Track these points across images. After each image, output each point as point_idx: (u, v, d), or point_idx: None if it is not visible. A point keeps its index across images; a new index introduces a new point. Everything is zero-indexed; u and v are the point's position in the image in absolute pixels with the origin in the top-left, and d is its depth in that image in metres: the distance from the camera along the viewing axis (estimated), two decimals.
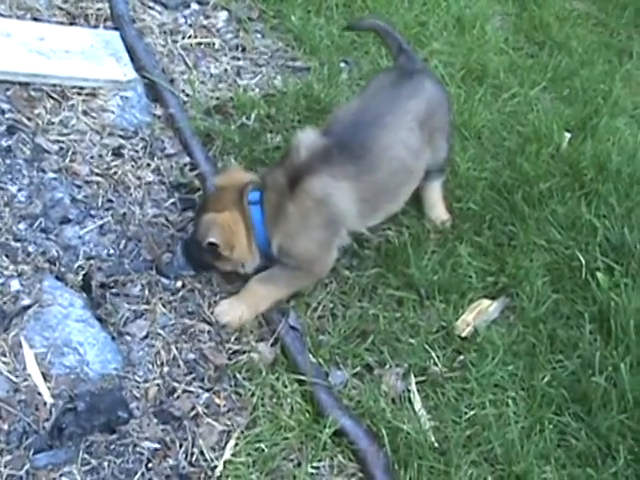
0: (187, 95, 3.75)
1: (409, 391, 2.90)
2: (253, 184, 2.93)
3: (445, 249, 3.31)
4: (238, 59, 4.08)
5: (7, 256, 2.82)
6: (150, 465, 2.55)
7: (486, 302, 3.20)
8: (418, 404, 2.87)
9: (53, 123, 3.27)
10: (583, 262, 3.30)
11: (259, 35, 4.24)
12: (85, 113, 3.35)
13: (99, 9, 3.93)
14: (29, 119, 3.21)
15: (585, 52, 4.64)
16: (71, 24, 3.75)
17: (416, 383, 2.93)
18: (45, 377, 2.60)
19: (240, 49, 4.13)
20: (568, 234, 3.45)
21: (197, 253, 2.93)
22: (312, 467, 2.65)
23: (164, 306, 2.94)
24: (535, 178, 3.61)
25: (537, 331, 3.13)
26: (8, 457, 2.41)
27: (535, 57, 4.56)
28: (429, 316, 3.13)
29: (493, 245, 3.38)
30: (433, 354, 3.00)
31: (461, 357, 3.02)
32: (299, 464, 2.65)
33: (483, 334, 3.07)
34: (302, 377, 2.81)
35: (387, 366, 2.96)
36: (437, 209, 3.39)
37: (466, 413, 2.85)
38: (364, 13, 4.39)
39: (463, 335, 3.07)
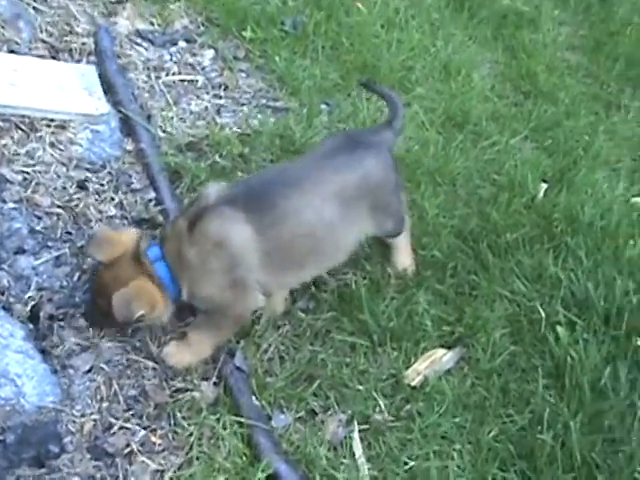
0: (164, 131, 3.75)
1: (351, 438, 2.85)
2: (146, 240, 2.83)
3: (404, 296, 3.26)
4: (220, 97, 4.08)
5: None
6: None
7: (441, 352, 3.14)
8: (359, 452, 2.82)
9: (19, 154, 3.27)
10: (543, 315, 3.24)
11: (244, 74, 4.25)
12: (52, 145, 3.36)
13: (84, 43, 3.95)
14: None
15: (572, 103, 4.60)
16: (53, 57, 3.76)
17: (359, 431, 2.88)
18: None
19: (223, 87, 4.13)
20: (532, 286, 3.39)
21: (110, 324, 2.86)
22: None
23: (111, 340, 2.91)
24: (504, 228, 3.56)
25: (490, 383, 3.06)
26: None
27: (519, 106, 4.52)
28: (380, 363, 3.08)
29: (454, 294, 3.33)
30: (380, 402, 2.95)
31: (408, 406, 2.96)
32: None
33: (433, 384, 3.01)
34: (242, 419, 2.76)
35: (331, 412, 2.90)
36: (400, 255, 3.34)
37: (407, 464, 2.79)
38: (350, 56, 4.37)
39: (413, 384, 3.02)
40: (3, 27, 3.66)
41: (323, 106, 4.10)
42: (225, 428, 2.76)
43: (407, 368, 3.06)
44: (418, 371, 3.05)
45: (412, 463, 2.79)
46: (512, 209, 3.69)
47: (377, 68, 4.34)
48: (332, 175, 2.95)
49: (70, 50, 3.90)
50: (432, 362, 3.10)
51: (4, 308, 2.83)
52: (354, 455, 2.81)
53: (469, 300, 3.31)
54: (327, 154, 3.03)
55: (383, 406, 2.94)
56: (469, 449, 2.88)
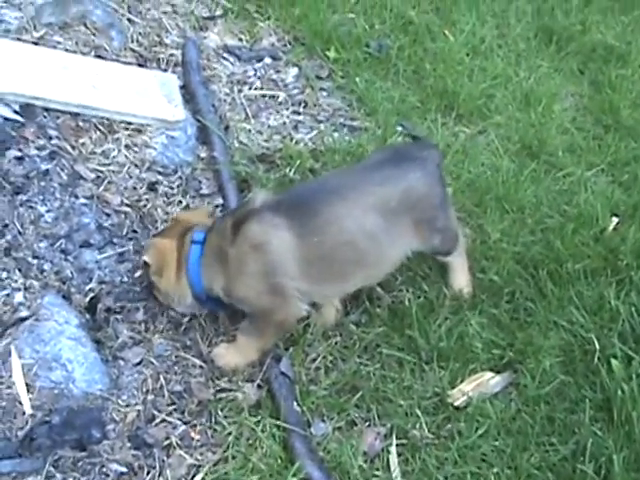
0: (240, 142, 3.83)
1: (388, 452, 2.84)
2: (203, 225, 2.95)
3: (457, 317, 3.24)
4: (299, 114, 4.14)
5: (20, 270, 2.93)
6: None
7: (488, 375, 3.11)
8: (394, 466, 2.80)
9: (95, 153, 3.39)
10: (598, 347, 3.16)
11: (325, 93, 4.30)
12: (127, 147, 3.47)
13: (172, 55, 4.08)
14: (73, 147, 3.35)
15: None
16: (140, 66, 3.89)
17: (397, 445, 2.86)
18: (29, 388, 2.66)
19: (303, 105, 4.20)
20: (590, 317, 3.31)
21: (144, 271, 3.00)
22: None
23: (163, 337, 2.98)
24: (567, 257, 3.50)
25: (536, 411, 3.00)
26: None
27: (599, 139, 4.43)
28: (426, 381, 3.06)
29: (509, 319, 3.29)
30: (421, 419, 2.93)
31: (449, 425, 2.93)
32: None
33: (477, 406, 2.97)
34: (281, 423, 2.79)
35: (370, 424, 2.90)
36: (456, 276, 3.33)
37: None
38: (431, 81, 4.39)
39: (456, 404, 2.99)
40: (94, 34, 3.81)
41: (399, 128, 4.11)
42: (264, 431, 2.78)
43: (453, 388, 3.03)
44: (463, 392, 3.02)
45: None
46: (578, 240, 3.61)
47: (457, 94, 4.33)
48: (375, 186, 2.96)
49: (158, 60, 4.03)
50: (478, 384, 3.06)
51: (64, 297, 2.94)
52: (389, 468, 2.80)
53: (523, 326, 3.27)
54: (373, 166, 3.06)
55: (424, 423, 2.92)
56: (507, 474, 2.82)
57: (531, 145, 4.20)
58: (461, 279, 3.34)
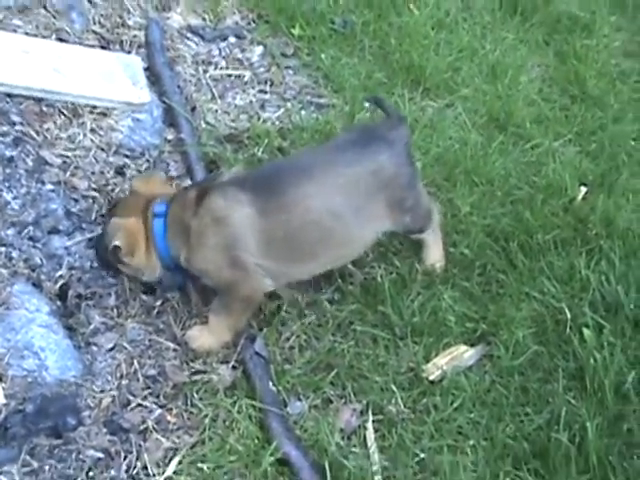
0: (207, 123, 3.80)
1: (365, 428, 2.85)
2: (163, 197, 2.94)
3: (429, 292, 3.25)
4: (265, 92, 4.12)
5: None
6: (91, 474, 2.57)
7: (462, 348, 3.13)
8: (371, 442, 2.81)
9: (61, 138, 3.35)
10: (569, 316, 3.19)
11: (290, 71, 4.28)
12: (93, 131, 3.43)
13: (135, 36, 4.03)
14: (37, 133, 3.31)
15: (620, 108, 4.51)
16: (103, 48, 3.84)
17: (373, 422, 2.87)
18: (1, 377, 2.65)
19: (269, 83, 4.17)
20: (561, 287, 3.34)
21: (103, 252, 2.96)
22: None
23: (136, 321, 2.97)
24: (537, 228, 3.53)
25: (510, 382, 3.03)
26: None
27: (565, 110, 4.45)
28: (400, 356, 3.07)
29: (481, 292, 3.31)
30: (397, 394, 2.94)
31: (424, 400, 2.95)
32: None
33: (452, 379, 2.99)
34: (257, 403, 2.79)
35: (346, 401, 2.91)
36: (430, 252, 3.33)
37: (418, 456, 2.78)
38: (397, 56, 4.37)
39: (431, 378, 3.00)
40: (55, 17, 3.76)
41: (366, 104, 4.10)
42: (240, 412, 2.78)
43: (427, 362, 3.05)
44: (438, 366, 3.03)
45: (423, 455, 2.78)
46: (547, 211, 3.64)
47: (423, 68, 4.32)
48: (344, 167, 2.95)
49: (121, 42, 3.98)
50: (453, 358, 3.08)
51: (34, 285, 2.91)
52: (366, 445, 2.81)
53: (495, 298, 3.29)
54: (341, 146, 3.04)
55: (399, 398, 2.94)
56: (483, 445, 2.85)
57: (498, 117, 4.21)
58: (435, 254, 3.35)
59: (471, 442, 2.85)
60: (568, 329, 3.18)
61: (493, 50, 4.64)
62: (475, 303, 3.27)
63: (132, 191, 3.06)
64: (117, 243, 2.85)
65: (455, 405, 2.92)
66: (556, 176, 3.86)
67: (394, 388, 2.96)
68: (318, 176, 2.91)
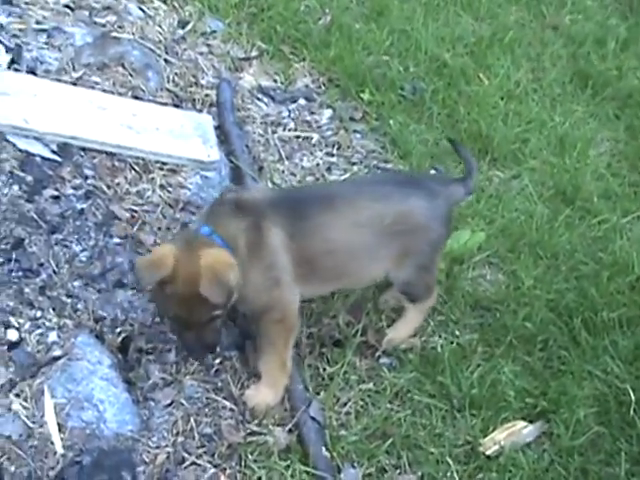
0: (273, 183, 3.86)
1: None
2: (188, 231, 3.09)
3: (490, 364, 3.23)
4: (332, 155, 4.18)
5: (54, 309, 2.96)
6: None
7: (521, 424, 3.10)
8: None
9: (130, 193, 3.44)
10: (633, 398, 3.14)
11: (358, 135, 4.34)
12: (162, 187, 3.51)
13: (207, 95, 4.14)
14: (108, 187, 3.40)
15: None
16: (176, 106, 3.94)
17: None
18: (60, 428, 2.69)
19: (336, 146, 4.23)
20: (626, 367, 3.30)
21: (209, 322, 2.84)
22: None
23: (194, 378, 3.00)
24: (602, 306, 3.49)
25: (569, 462, 2.99)
26: None
27: (635, 186, 4.44)
28: (458, 428, 3.06)
29: (542, 367, 3.29)
30: (452, 467, 2.92)
31: (481, 475, 2.92)
32: None
33: (510, 455, 2.97)
34: (310, 469, 2.79)
35: (401, 471, 2.89)
36: (401, 326, 3.30)
37: None
38: (465, 124, 4.41)
39: (488, 453, 2.98)
40: (131, 75, 3.88)
41: (432, 171, 4.14)
42: (293, 476, 2.78)
43: (485, 437, 3.03)
44: (495, 441, 3.01)
45: None
46: (613, 288, 3.62)
47: (491, 138, 4.36)
48: (371, 203, 2.98)
49: (193, 100, 4.09)
50: (511, 434, 3.05)
51: (96, 336, 2.96)
52: None
53: (557, 375, 3.27)
54: (380, 181, 3.16)
55: (455, 472, 2.91)
56: None
57: (565, 191, 4.21)
58: (404, 331, 3.30)
59: None
60: (632, 411, 3.13)
61: (562, 122, 4.66)
62: (536, 378, 3.25)
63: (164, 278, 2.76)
64: (232, 277, 2.74)
65: None
66: (623, 253, 3.84)
67: (450, 461, 2.94)
68: (341, 207, 2.96)
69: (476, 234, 3.68)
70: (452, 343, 3.31)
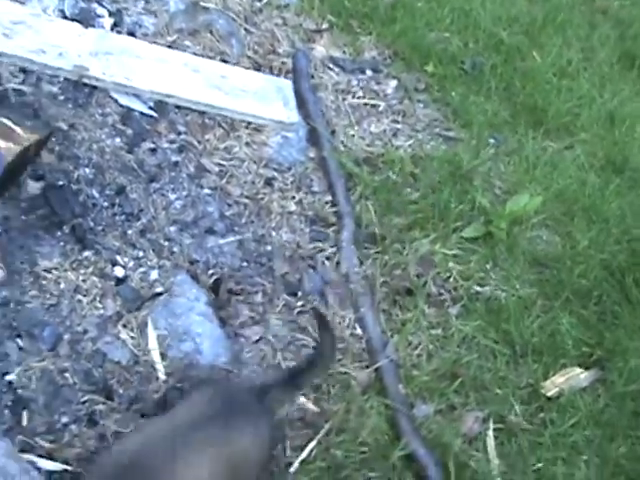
0: (344, 146, 3.91)
1: (485, 435, 2.91)
2: None
3: (548, 316, 3.30)
4: (397, 122, 4.22)
5: (154, 250, 3.05)
6: None
7: (578, 370, 3.17)
8: (491, 447, 2.87)
9: (218, 149, 3.51)
10: None
11: (421, 105, 4.38)
12: (247, 145, 3.58)
13: (284, 63, 4.18)
14: (199, 142, 3.47)
15: None
16: (256, 70, 4.01)
17: (493, 429, 2.93)
18: (162, 356, 2.78)
19: (401, 114, 4.27)
20: None
21: None
22: None
23: (279, 318, 3.08)
24: None
25: (623, 405, 3.06)
26: (118, 416, 2.60)
27: None
28: (520, 372, 3.13)
29: (596, 320, 3.34)
30: (516, 407, 3.00)
31: (542, 414, 3.00)
32: (369, 478, 2.71)
33: (568, 398, 3.04)
34: (388, 401, 2.87)
35: (469, 409, 2.97)
36: None
37: (535, 465, 2.83)
38: (521, 98, 4.45)
39: (549, 395, 3.06)
40: (219, 41, 3.94)
41: (491, 140, 4.19)
42: (372, 408, 2.87)
43: (545, 380, 3.10)
44: (555, 384, 3.08)
45: (540, 465, 2.83)
46: None
47: (545, 111, 4.39)
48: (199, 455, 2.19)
49: (270, 67, 4.13)
50: (569, 378, 3.13)
51: (192, 277, 3.05)
52: (486, 450, 2.87)
53: (610, 328, 3.32)
54: (197, 420, 2.28)
55: (518, 411, 2.99)
56: (596, 462, 2.89)
57: (615, 161, 4.24)
58: None
59: (585, 457, 2.89)
60: None
61: (611, 100, 4.68)
62: (591, 330, 3.31)
63: None
64: None
65: (571, 422, 2.97)
66: None
67: (513, 401, 3.02)
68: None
69: (534, 198, 3.72)
70: (513, 296, 3.37)
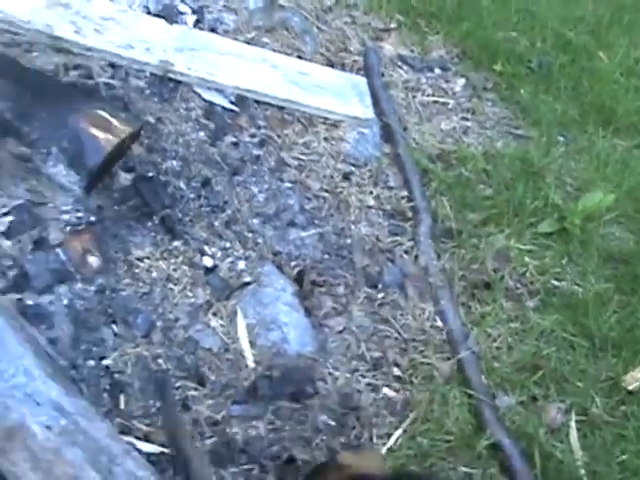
0: (416, 142, 3.93)
1: (568, 426, 2.91)
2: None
3: (626, 311, 3.29)
4: (467, 120, 4.23)
5: (239, 241, 3.08)
6: (324, 437, 2.69)
7: None
8: (574, 439, 2.87)
9: (297, 143, 3.55)
10: None
11: (489, 103, 4.39)
12: (325, 140, 3.61)
13: (355, 60, 4.22)
14: (278, 136, 3.51)
15: None
16: (328, 67, 4.05)
17: (576, 421, 2.92)
18: (251, 345, 2.81)
19: (470, 112, 4.28)
20: None
21: None
22: (465, 473, 2.71)
23: (361, 310, 3.10)
24: None
25: None
26: (210, 401, 2.63)
27: None
28: (599, 366, 3.11)
29: None
30: (597, 399, 2.99)
31: (623, 407, 2.98)
32: (454, 468, 2.72)
33: None
34: (472, 392, 2.88)
35: (551, 400, 2.97)
36: None
37: (619, 457, 2.82)
38: (589, 97, 4.44)
39: (630, 388, 3.04)
40: (294, 38, 3.99)
41: (560, 138, 4.18)
42: (455, 398, 2.88)
43: (625, 374, 3.09)
44: (635, 378, 3.06)
45: (624, 457, 2.82)
46: None
47: (614, 110, 4.38)
48: None
49: (343, 64, 4.17)
50: None
51: (277, 267, 3.08)
52: (569, 441, 2.86)
53: None
54: None
55: (599, 403, 2.98)
56: None
57: None
58: None
59: None
60: None
61: None
62: None
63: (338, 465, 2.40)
64: None
65: None
66: None
67: (593, 394, 3.01)
68: None
69: (607, 195, 3.71)
70: (590, 291, 3.36)
